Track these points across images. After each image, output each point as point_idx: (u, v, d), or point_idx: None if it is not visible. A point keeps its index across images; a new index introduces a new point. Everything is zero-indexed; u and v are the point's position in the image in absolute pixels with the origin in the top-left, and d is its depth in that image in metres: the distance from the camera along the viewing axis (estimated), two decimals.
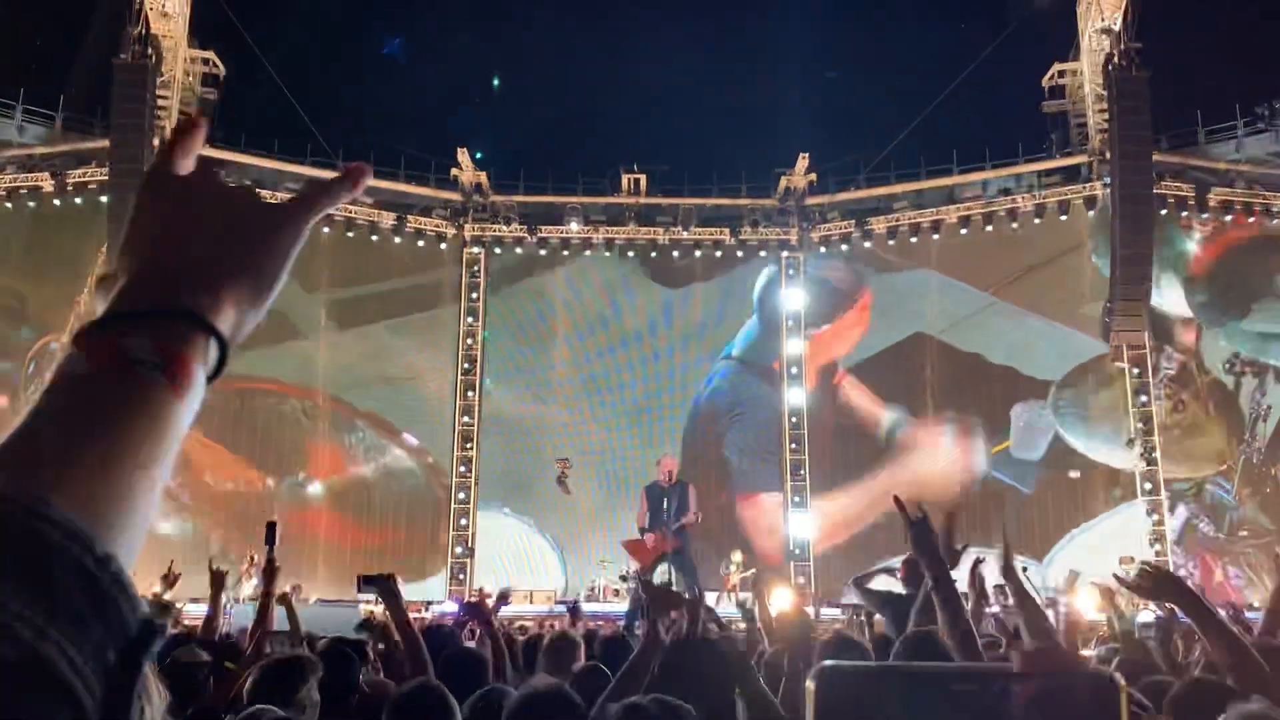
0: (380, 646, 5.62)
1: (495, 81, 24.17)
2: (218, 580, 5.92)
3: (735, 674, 2.66)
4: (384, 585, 4.59)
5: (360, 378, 20.22)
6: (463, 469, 19.93)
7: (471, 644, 5.49)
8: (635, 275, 21.09)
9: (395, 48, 23.55)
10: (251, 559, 13.46)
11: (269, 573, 6.08)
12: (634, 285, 21.08)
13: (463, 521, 19.67)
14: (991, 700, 0.69)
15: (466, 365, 20.40)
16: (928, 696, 0.69)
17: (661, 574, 12.06)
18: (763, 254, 20.92)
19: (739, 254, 20.87)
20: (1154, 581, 3.00)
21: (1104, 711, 0.68)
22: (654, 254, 20.70)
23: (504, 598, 7.59)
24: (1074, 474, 19.43)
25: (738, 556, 17.24)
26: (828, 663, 0.72)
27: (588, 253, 20.95)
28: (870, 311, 20.65)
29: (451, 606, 16.18)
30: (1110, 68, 18.15)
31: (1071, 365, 19.72)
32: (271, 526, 7.77)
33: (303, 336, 19.67)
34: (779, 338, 20.68)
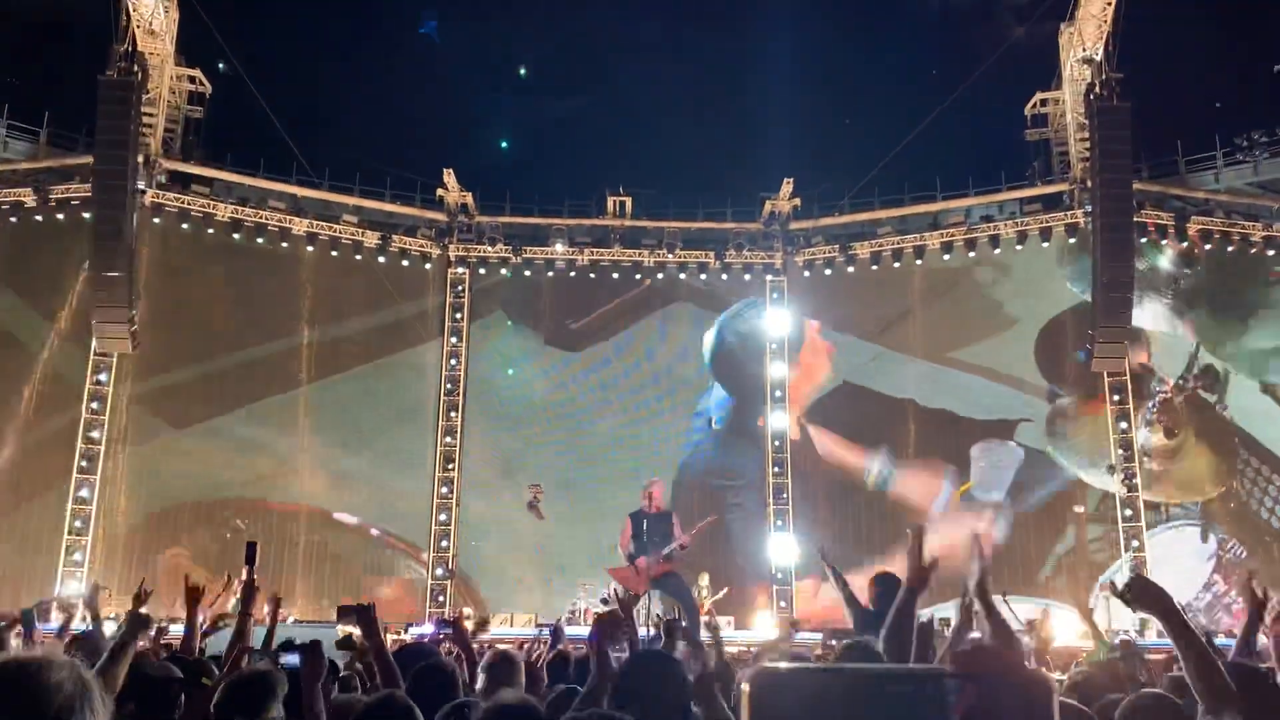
0: (358, 666, 5.59)
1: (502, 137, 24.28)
2: (193, 597, 5.83)
3: (697, 693, 2.66)
4: (362, 613, 4.56)
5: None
6: (444, 490, 19.84)
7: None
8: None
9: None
10: (229, 579, 13.31)
11: (248, 592, 6.02)
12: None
13: (444, 544, 19.56)
14: (926, 700, 0.69)
15: (449, 386, 20.37)
16: (862, 697, 0.69)
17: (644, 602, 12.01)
18: (747, 277, 20.97)
19: (723, 277, 20.94)
20: (1138, 589, 3.00)
21: (1036, 711, 0.68)
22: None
23: (483, 624, 7.55)
24: (1079, 509, 19.40)
25: (705, 580, 17.10)
26: (763, 665, 0.72)
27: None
28: (828, 343, 20.94)
29: (430, 629, 16.09)
30: (1091, 97, 18.33)
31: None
32: (251, 546, 7.71)
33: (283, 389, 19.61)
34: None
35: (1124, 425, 19.27)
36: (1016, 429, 19.81)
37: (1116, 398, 19.37)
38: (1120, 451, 19.16)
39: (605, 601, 16.26)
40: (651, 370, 21.02)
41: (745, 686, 0.70)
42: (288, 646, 4.39)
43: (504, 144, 24.74)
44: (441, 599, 19.14)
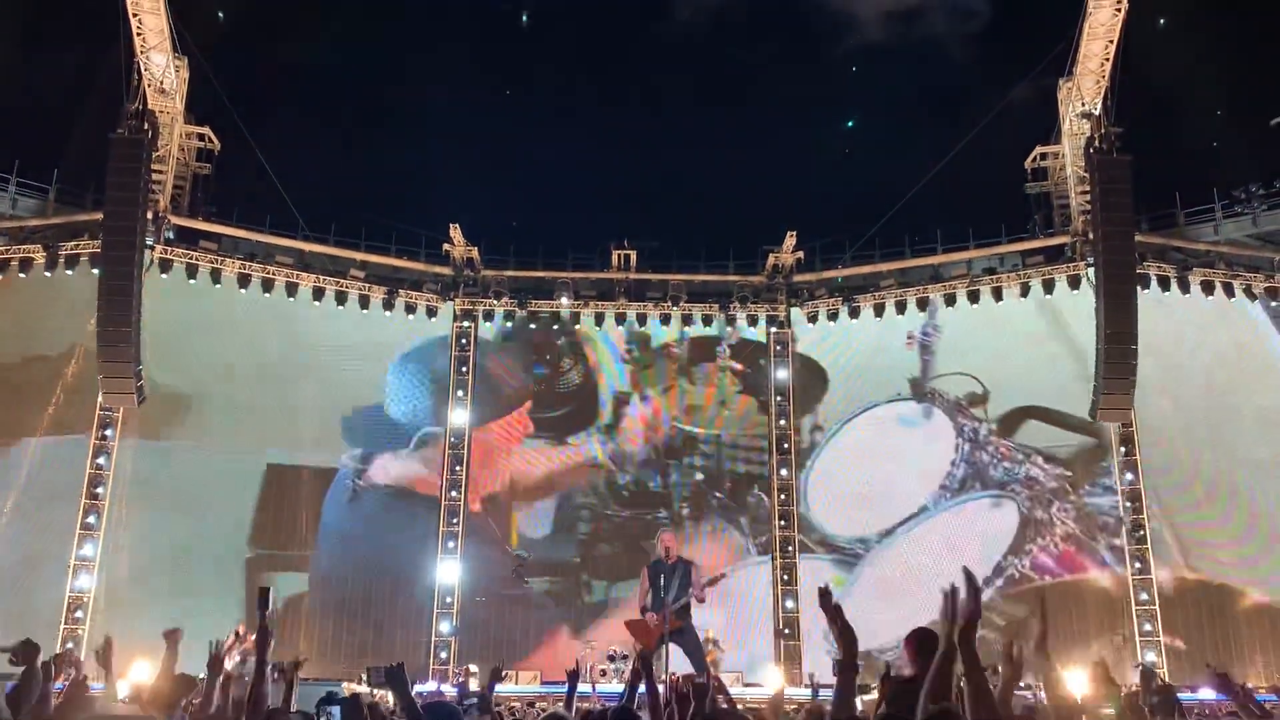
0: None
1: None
2: (215, 664, 5.70)
3: None
4: (392, 674, 4.56)
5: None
6: (450, 544, 19.71)
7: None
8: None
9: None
10: (236, 633, 13.15)
11: (262, 639, 5.80)
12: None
13: (448, 600, 19.38)
14: None
15: (455, 440, 20.35)
16: None
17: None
18: (752, 330, 21.06)
19: (729, 328, 21.00)
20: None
21: None
22: None
23: (496, 675, 7.43)
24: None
25: (712, 633, 16.89)
26: None
27: None
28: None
29: (430, 686, 15.92)
30: (1091, 151, 18.48)
31: None
32: (264, 591, 7.56)
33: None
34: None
35: (1130, 476, 19.21)
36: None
37: (1124, 449, 19.32)
38: (1128, 504, 19.09)
39: (612, 658, 16.10)
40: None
41: None
42: (330, 700, 4.46)
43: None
44: (445, 655, 18.93)
